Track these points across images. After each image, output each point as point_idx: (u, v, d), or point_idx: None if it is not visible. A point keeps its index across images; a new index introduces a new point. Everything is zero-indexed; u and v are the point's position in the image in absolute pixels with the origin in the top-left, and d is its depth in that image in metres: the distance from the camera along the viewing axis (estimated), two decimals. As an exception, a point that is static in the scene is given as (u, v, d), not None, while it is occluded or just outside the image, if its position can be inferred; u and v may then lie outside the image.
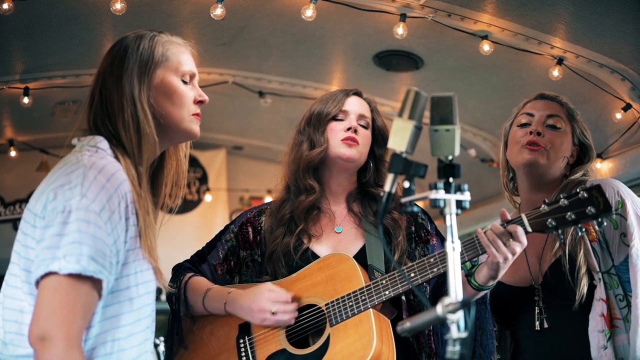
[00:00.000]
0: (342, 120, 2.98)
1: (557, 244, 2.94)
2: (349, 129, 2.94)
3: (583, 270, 2.84)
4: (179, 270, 3.00)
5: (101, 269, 1.99)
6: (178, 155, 2.48)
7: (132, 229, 2.13)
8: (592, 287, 2.85)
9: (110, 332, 2.10)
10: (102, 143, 2.18)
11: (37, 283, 1.99)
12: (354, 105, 3.01)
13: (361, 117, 3.00)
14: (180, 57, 2.34)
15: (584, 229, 2.59)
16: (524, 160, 3.05)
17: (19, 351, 2.04)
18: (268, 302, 2.71)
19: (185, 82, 2.34)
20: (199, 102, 2.37)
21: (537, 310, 2.96)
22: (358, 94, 3.08)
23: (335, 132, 2.95)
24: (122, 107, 2.21)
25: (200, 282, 2.90)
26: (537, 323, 2.95)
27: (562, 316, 2.91)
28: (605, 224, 2.60)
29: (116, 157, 2.17)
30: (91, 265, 1.96)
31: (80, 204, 1.99)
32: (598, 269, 2.86)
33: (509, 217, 2.61)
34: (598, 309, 2.82)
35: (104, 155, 2.15)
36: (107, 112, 2.24)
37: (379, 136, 3.05)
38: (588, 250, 2.88)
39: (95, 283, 2.00)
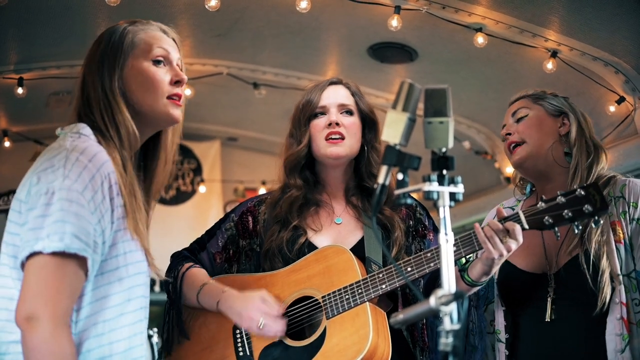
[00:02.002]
0: (322, 115, 2.94)
1: (577, 239, 2.85)
2: (330, 124, 2.90)
3: (606, 274, 2.75)
4: (177, 259, 2.99)
5: (85, 246, 2.00)
6: (167, 145, 2.49)
7: (118, 210, 2.15)
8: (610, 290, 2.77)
9: (101, 313, 2.11)
10: (85, 129, 2.22)
11: (23, 265, 2.00)
12: (332, 97, 2.96)
13: (342, 106, 2.94)
14: (150, 40, 2.36)
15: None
16: (513, 164, 3.04)
17: (10, 337, 2.05)
18: (258, 313, 2.69)
19: (159, 63, 2.35)
20: (177, 83, 2.37)
21: (549, 300, 2.88)
22: (335, 82, 3.03)
23: (318, 130, 2.91)
24: (97, 98, 2.26)
25: (197, 275, 2.89)
26: (548, 314, 2.87)
27: (571, 311, 2.84)
28: (602, 222, 2.56)
29: (99, 142, 2.20)
30: (75, 243, 1.98)
31: (63, 184, 2.02)
32: (619, 272, 2.79)
33: (505, 214, 2.62)
34: (617, 312, 2.75)
35: (87, 139, 2.18)
36: (89, 104, 2.29)
37: (367, 119, 3.01)
38: (612, 253, 2.80)
39: (80, 262, 2.01)
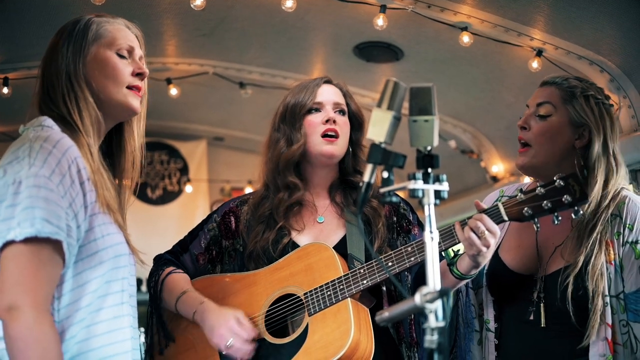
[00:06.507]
0: (318, 111, 2.94)
1: (581, 258, 2.71)
2: (327, 121, 2.90)
3: (600, 304, 2.65)
4: (159, 262, 2.98)
5: (57, 230, 2.00)
6: (132, 138, 2.49)
7: (91, 194, 2.15)
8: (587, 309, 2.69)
9: (83, 298, 2.11)
10: (47, 121, 2.23)
11: None
12: (328, 95, 2.97)
13: (337, 105, 2.96)
14: (115, 33, 2.38)
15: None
16: (517, 166, 2.91)
17: None
18: (229, 332, 2.69)
19: (122, 57, 2.36)
20: (138, 75, 2.38)
21: (533, 302, 2.82)
22: (328, 81, 3.04)
23: (314, 127, 2.91)
24: (60, 86, 2.28)
25: (177, 282, 2.88)
26: (531, 315, 2.82)
27: (556, 322, 2.77)
28: (581, 212, 2.54)
29: (62, 132, 2.21)
30: (46, 227, 1.98)
31: (29, 172, 2.02)
32: (607, 293, 2.68)
33: (484, 206, 2.61)
34: (602, 332, 2.66)
35: (49, 129, 2.18)
36: (49, 95, 2.30)
37: (355, 120, 3.02)
38: (603, 275, 2.69)
39: (55, 246, 2.02)
